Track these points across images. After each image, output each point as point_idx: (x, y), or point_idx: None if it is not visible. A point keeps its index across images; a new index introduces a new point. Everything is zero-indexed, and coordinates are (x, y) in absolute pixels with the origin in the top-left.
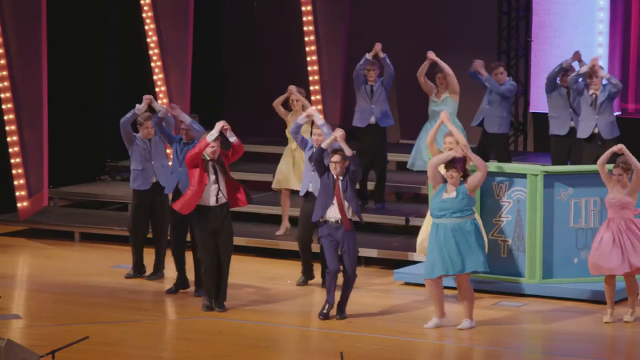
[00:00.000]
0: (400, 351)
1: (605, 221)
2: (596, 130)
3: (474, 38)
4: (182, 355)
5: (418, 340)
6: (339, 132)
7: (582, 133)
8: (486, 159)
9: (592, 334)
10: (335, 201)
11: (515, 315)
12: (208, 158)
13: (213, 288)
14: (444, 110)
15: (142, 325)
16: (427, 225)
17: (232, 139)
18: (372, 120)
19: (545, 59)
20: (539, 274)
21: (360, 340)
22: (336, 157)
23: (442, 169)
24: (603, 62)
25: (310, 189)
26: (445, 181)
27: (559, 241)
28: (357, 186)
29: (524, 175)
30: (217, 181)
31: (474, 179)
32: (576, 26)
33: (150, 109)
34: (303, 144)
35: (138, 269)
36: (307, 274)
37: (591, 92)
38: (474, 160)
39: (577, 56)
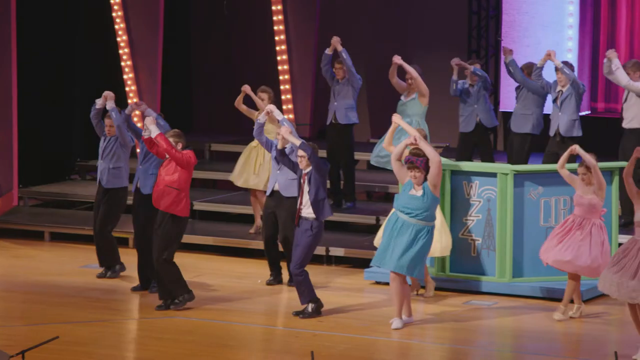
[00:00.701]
0: (371, 350)
1: (570, 217)
2: (557, 127)
3: (444, 37)
4: (152, 354)
5: (388, 339)
6: (284, 129)
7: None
8: (469, 158)
9: (562, 333)
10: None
11: (486, 313)
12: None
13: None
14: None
15: (113, 324)
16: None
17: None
18: (333, 117)
19: (514, 58)
20: (509, 272)
21: (331, 340)
22: (300, 152)
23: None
24: (573, 62)
25: (276, 188)
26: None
27: (529, 240)
28: (329, 185)
29: (494, 175)
30: None
31: (430, 174)
32: (546, 26)
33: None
34: (268, 145)
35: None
36: (276, 273)
37: (558, 88)
38: (426, 150)
39: (549, 56)
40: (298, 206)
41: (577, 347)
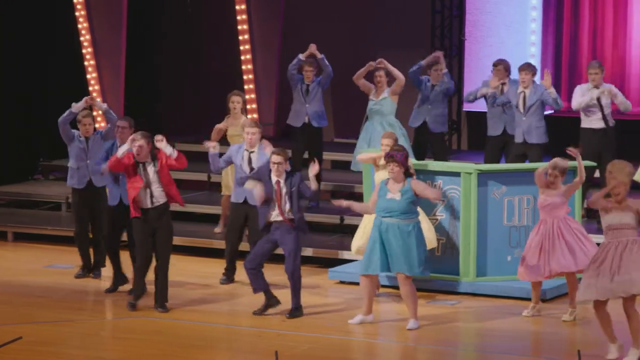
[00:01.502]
0: (335, 350)
1: (537, 224)
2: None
3: (408, 37)
4: (120, 355)
5: (352, 338)
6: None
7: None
8: (422, 157)
9: (526, 331)
10: (276, 202)
11: (449, 313)
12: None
13: (140, 288)
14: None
15: (80, 325)
16: (363, 227)
17: (168, 150)
18: (306, 119)
19: (478, 58)
20: (472, 272)
21: (295, 340)
22: (277, 158)
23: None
24: (536, 62)
25: (244, 198)
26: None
27: (493, 239)
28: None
29: (457, 174)
30: (148, 185)
31: (422, 189)
32: (509, 25)
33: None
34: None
35: (88, 267)
36: (230, 273)
37: (520, 89)
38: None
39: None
40: (279, 212)
41: (540, 346)
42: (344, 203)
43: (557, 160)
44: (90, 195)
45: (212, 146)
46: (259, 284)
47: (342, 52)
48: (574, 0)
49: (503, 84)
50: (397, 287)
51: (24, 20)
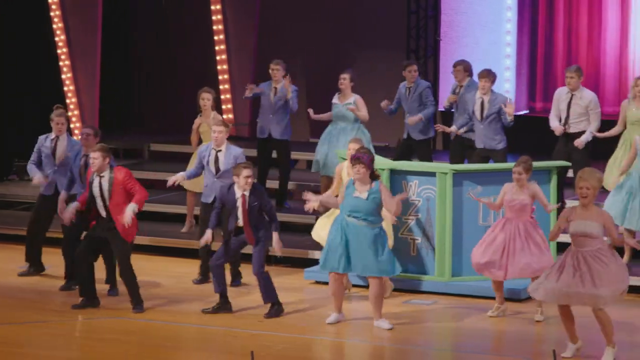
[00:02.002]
0: (310, 350)
1: (502, 220)
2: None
3: (383, 37)
4: (91, 355)
5: (328, 338)
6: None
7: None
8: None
9: (501, 331)
10: (241, 217)
11: (425, 313)
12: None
13: (86, 289)
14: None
15: (51, 325)
16: (327, 217)
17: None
18: (270, 132)
19: (453, 58)
20: (448, 272)
21: (270, 340)
22: (248, 172)
23: (344, 173)
24: (511, 62)
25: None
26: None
27: (468, 239)
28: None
29: (433, 174)
30: (102, 196)
31: (386, 195)
32: (484, 25)
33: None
34: (201, 157)
35: (34, 266)
36: (205, 274)
37: (478, 95)
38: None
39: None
40: (245, 228)
41: (515, 346)
42: (312, 198)
43: (523, 157)
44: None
45: (178, 180)
46: (220, 284)
47: (317, 52)
48: (549, 1)
49: (460, 86)
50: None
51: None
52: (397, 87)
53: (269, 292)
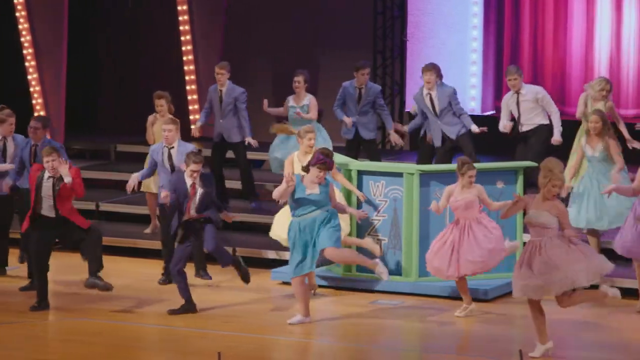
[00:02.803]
0: (277, 350)
1: (452, 223)
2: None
3: (350, 38)
4: (60, 356)
5: (294, 339)
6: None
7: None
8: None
9: (468, 331)
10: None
11: (391, 313)
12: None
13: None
14: None
15: (21, 326)
16: (284, 211)
17: (67, 179)
18: (222, 135)
19: (419, 59)
20: (415, 272)
21: (237, 340)
22: (196, 166)
23: (298, 165)
24: (477, 62)
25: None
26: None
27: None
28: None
29: (400, 174)
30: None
31: (333, 202)
32: (450, 26)
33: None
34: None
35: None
36: (169, 274)
37: (425, 91)
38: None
39: None
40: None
41: (482, 346)
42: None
43: (465, 159)
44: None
45: (134, 182)
46: (183, 291)
47: (284, 52)
48: (514, 1)
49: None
50: (334, 287)
51: None
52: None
53: (225, 258)
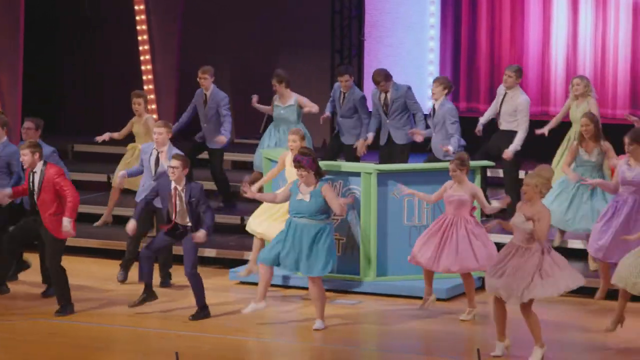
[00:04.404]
0: (236, 350)
1: (442, 216)
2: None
3: (308, 37)
4: (15, 357)
5: (253, 339)
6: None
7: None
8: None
9: (426, 331)
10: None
11: (350, 313)
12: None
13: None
14: None
15: None
16: (264, 207)
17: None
18: (205, 138)
19: (377, 59)
20: (373, 271)
21: (197, 340)
22: (174, 162)
23: (288, 161)
24: (435, 61)
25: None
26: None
27: (393, 239)
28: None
29: (358, 174)
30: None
31: (330, 198)
32: (408, 25)
33: None
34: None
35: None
36: (126, 269)
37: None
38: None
39: None
40: (170, 217)
41: (440, 345)
42: (249, 193)
43: (458, 154)
44: None
45: (121, 179)
46: (146, 274)
47: (243, 51)
48: (471, 1)
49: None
50: (301, 288)
51: None
52: (322, 86)
53: (199, 294)
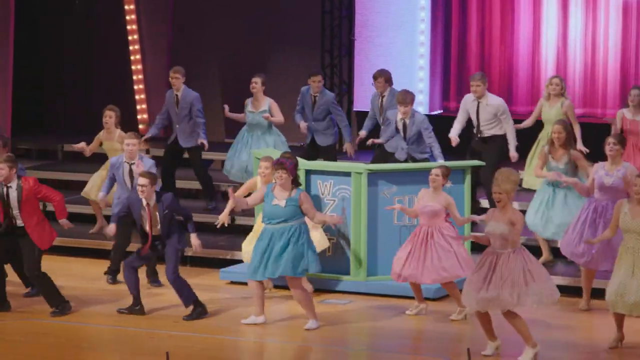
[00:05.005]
0: (227, 350)
1: (417, 228)
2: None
3: (298, 37)
4: (4, 357)
5: (244, 339)
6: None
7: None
8: None
9: (416, 330)
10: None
11: (340, 312)
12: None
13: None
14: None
15: None
16: (254, 232)
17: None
18: (178, 138)
19: (367, 58)
20: (363, 271)
21: (188, 340)
22: (143, 180)
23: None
24: (425, 62)
25: None
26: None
27: (383, 239)
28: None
29: (348, 174)
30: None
31: (307, 207)
32: (398, 25)
33: None
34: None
35: None
36: (114, 272)
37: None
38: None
39: None
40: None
41: (430, 345)
42: (230, 197)
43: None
44: None
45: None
46: (132, 288)
47: (234, 51)
48: (462, 1)
49: (382, 95)
50: (285, 287)
51: None
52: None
53: (187, 295)
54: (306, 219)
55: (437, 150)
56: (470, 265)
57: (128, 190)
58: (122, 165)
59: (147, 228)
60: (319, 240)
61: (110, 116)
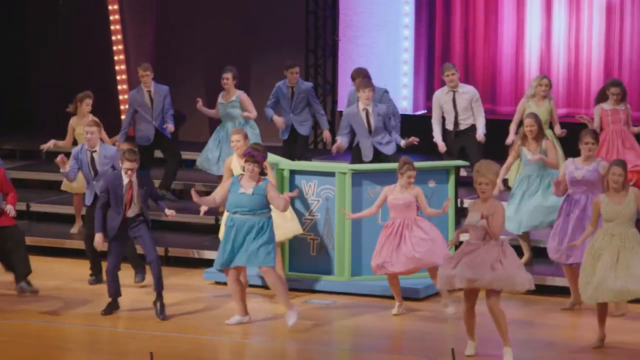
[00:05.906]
0: (211, 350)
1: (389, 222)
2: None
3: (282, 37)
4: None
5: (227, 339)
6: (58, 159)
7: None
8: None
9: (400, 330)
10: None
11: (324, 312)
12: None
13: None
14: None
15: None
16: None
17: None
18: (153, 135)
19: (351, 59)
20: (347, 271)
21: (171, 340)
22: (129, 164)
23: (236, 167)
24: (409, 61)
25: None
26: (236, 175)
27: (367, 239)
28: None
29: (332, 174)
30: None
31: (272, 196)
32: (382, 26)
33: None
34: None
35: None
36: (97, 273)
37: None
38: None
39: None
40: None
41: (415, 345)
42: (194, 197)
43: (407, 159)
44: None
45: (62, 166)
46: (112, 290)
47: (218, 50)
48: (445, 1)
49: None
50: (268, 287)
51: None
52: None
53: (160, 279)
54: (273, 213)
55: (396, 134)
56: (447, 254)
57: (92, 179)
58: (84, 153)
59: (127, 209)
60: (291, 227)
61: (87, 104)
